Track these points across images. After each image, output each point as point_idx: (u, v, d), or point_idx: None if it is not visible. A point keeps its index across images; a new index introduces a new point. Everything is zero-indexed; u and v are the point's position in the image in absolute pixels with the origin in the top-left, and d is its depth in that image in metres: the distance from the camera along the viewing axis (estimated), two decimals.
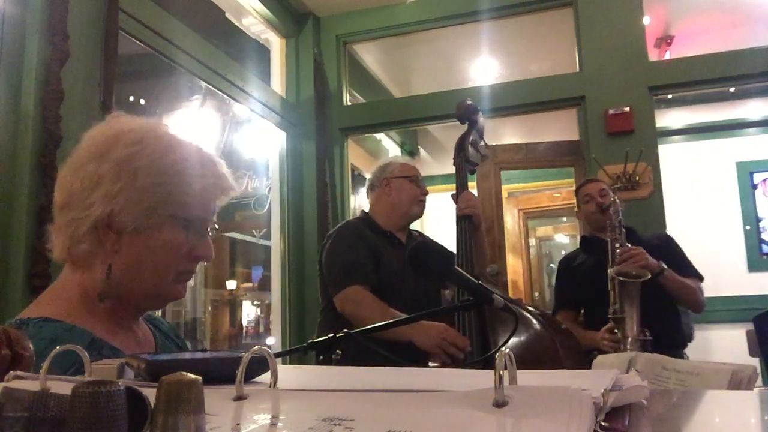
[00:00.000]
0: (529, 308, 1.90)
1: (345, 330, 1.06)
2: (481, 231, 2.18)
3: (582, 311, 2.64)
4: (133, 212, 0.90)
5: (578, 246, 2.84)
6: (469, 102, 2.22)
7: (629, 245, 2.32)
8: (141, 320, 1.04)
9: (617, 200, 2.44)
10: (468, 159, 2.15)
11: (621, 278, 2.19)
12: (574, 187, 4.18)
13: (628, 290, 2.19)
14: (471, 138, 2.16)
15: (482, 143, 2.22)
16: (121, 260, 0.91)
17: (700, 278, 2.48)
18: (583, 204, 2.68)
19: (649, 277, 2.19)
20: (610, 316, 2.20)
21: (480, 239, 2.17)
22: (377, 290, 2.14)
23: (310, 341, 1.05)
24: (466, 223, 2.08)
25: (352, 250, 2.23)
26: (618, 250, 2.30)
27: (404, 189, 2.38)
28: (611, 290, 2.23)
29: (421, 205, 2.41)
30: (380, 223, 2.35)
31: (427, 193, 2.43)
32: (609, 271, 2.25)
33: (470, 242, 2.05)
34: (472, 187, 3.73)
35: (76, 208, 0.91)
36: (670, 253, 2.49)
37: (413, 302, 2.06)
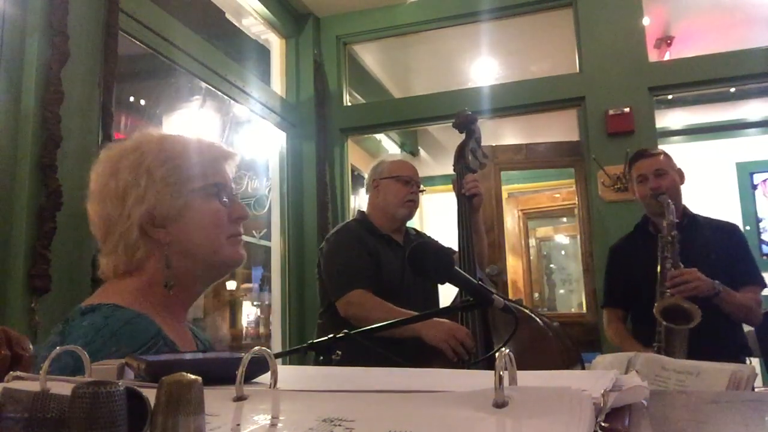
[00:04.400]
0: (531, 310, 1.91)
1: (345, 330, 1.06)
2: (479, 214, 2.22)
3: (629, 310, 2.40)
4: (165, 201, 0.99)
5: (632, 231, 2.49)
6: (468, 112, 2.27)
7: (682, 266, 2.08)
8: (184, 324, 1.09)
9: (671, 205, 2.16)
10: (467, 166, 2.20)
11: (667, 324, 1.99)
12: (574, 188, 4.19)
13: (673, 332, 2.00)
14: (470, 146, 2.22)
15: (480, 151, 2.27)
16: (176, 247, 1.00)
17: (761, 284, 2.23)
18: (637, 184, 2.35)
19: (699, 320, 1.96)
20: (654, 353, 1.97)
21: (478, 221, 2.21)
22: (378, 293, 2.13)
23: (310, 342, 1.05)
24: (467, 203, 2.13)
25: (352, 255, 2.22)
26: (669, 273, 2.07)
27: (391, 190, 2.34)
28: (657, 326, 2.04)
29: (407, 206, 2.35)
30: (376, 225, 2.34)
31: (416, 192, 2.37)
32: (654, 308, 2.04)
33: (470, 221, 2.10)
34: None
35: (118, 226, 0.99)
36: (733, 247, 2.26)
37: (413, 304, 2.06)
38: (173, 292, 1.00)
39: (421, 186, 2.43)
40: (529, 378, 0.47)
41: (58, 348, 0.54)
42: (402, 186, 2.34)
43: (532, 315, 1.85)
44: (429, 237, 2.51)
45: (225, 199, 1.04)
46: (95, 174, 1.03)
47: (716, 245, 2.22)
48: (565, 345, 1.83)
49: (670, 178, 2.29)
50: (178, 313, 1.04)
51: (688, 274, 2.04)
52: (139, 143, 1.03)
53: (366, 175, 2.52)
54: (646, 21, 3.40)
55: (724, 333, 2.16)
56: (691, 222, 2.27)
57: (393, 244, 2.32)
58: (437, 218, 5.92)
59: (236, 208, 1.06)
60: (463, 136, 2.24)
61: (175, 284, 0.99)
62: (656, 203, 2.23)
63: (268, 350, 0.51)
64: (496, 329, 1.92)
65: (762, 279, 2.25)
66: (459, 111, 2.27)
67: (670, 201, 2.18)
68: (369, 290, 2.13)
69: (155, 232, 0.99)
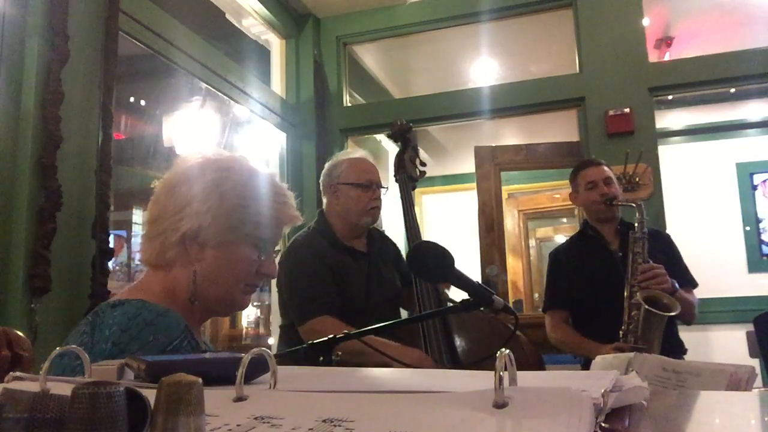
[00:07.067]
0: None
1: (345, 330, 1.07)
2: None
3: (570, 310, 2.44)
4: (217, 229, 1.04)
5: (573, 237, 2.58)
6: (403, 121, 2.29)
7: (651, 261, 2.15)
8: None
9: (642, 205, 2.27)
10: (410, 176, 2.22)
11: (649, 309, 2.03)
12: None
13: (653, 321, 2.05)
14: (407, 155, 2.24)
15: (418, 159, 2.29)
16: (202, 268, 1.05)
17: (695, 285, 2.35)
18: (584, 190, 2.41)
19: (679, 311, 2.04)
20: (633, 346, 2.03)
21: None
22: (342, 312, 2.00)
23: (309, 342, 1.05)
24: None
25: (313, 276, 2.05)
26: (640, 267, 2.14)
27: (351, 198, 2.14)
28: (627, 309, 2.10)
29: (371, 213, 2.16)
30: (338, 234, 2.17)
31: (379, 196, 2.17)
32: (637, 296, 2.09)
33: (418, 231, 2.13)
34: (471, 188, 3.75)
35: (167, 221, 1.05)
36: (669, 255, 2.34)
37: (379, 315, 1.93)
38: (194, 308, 1.05)
39: (383, 184, 2.22)
40: (528, 378, 0.47)
41: (58, 348, 0.54)
42: (362, 192, 2.14)
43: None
44: (388, 237, 2.38)
45: (263, 255, 1.09)
46: (181, 169, 1.08)
47: (653, 252, 2.27)
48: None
49: (615, 187, 2.41)
50: (194, 322, 1.08)
51: (657, 268, 2.14)
52: (231, 165, 1.08)
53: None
54: (646, 21, 3.41)
55: (672, 334, 2.29)
56: (626, 231, 2.32)
57: (357, 255, 2.17)
58: (437, 219, 5.93)
59: (266, 266, 1.11)
60: (399, 146, 2.27)
61: (197, 299, 1.05)
62: (606, 208, 2.35)
63: (268, 351, 0.51)
64: (465, 329, 1.92)
65: (695, 281, 2.36)
66: (394, 121, 2.30)
67: (641, 203, 2.29)
68: (333, 315, 1.97)
69: (192, 247, 1.04)
